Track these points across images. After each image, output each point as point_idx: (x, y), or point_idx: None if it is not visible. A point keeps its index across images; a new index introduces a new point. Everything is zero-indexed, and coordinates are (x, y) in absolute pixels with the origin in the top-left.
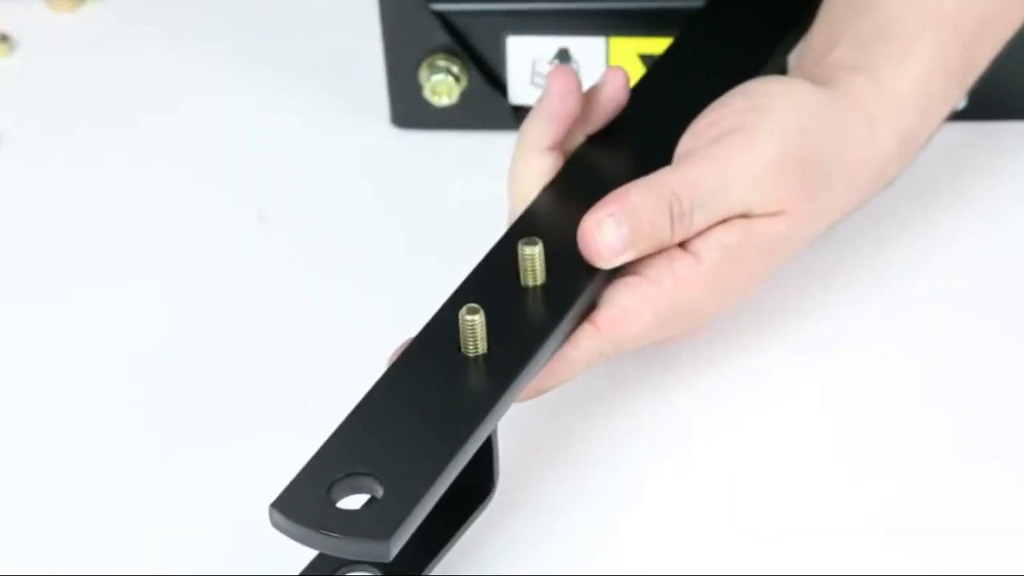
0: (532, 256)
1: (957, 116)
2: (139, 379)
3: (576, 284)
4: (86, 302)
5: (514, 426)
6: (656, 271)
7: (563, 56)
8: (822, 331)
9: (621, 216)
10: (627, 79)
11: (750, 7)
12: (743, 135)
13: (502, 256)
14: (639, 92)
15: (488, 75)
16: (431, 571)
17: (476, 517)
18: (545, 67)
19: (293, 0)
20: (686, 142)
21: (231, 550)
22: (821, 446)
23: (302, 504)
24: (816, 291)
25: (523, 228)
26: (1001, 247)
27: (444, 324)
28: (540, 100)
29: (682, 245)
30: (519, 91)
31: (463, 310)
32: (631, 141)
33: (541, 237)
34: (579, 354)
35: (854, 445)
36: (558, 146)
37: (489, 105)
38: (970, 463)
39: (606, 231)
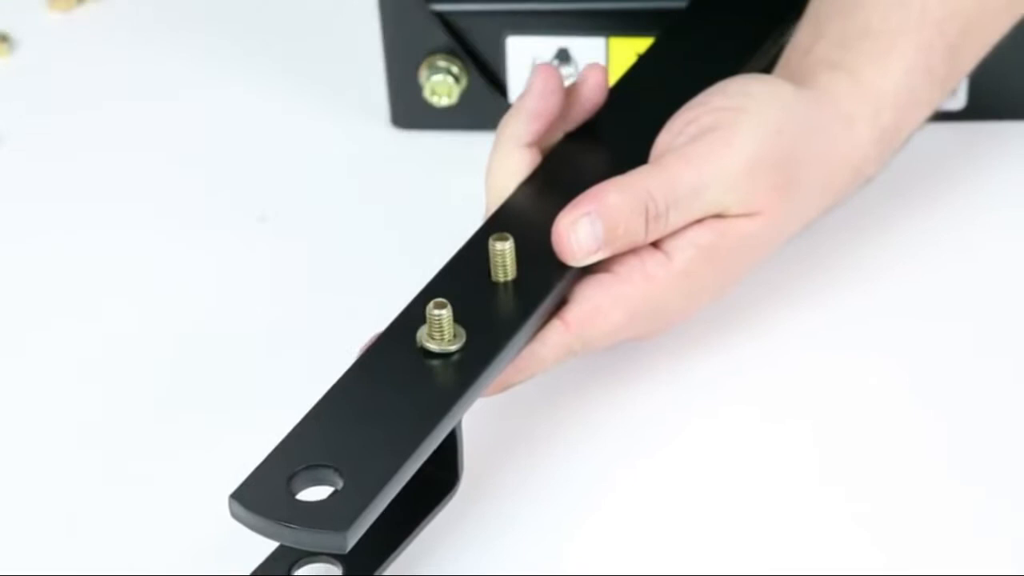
0: (503, 252)
1: (956, 116)
2: (134, 379)
3: (546, 280)
4: (85, 301)
5: (480, 420)
6: (627, 269)
7: (563, 56)
8: (799, 328)
9: (596, 216)
10: (606, 77)
11: (732, 7)
12: (721, 135)
13: (474, 252)
14: (619, 90)
15: (488, 75)
16: (392, 562)
17: (439, 511)
18: None
19: (293, 1)
20: (663, 140)
21: (196, 543)
22: (795, 444)
23: (261, 495)
24: (794, 288)
25: (497, 224)
26: (1000, 247)
27: (412, 318)
28: (521, 97)
29: (655, 243)
30: (519, 91)
31: (430, 304)
32: (608, 139)
33: (514, 233)
34: (547, 350)
35: (830, 443)
36: (536, 143)
37: (489, 105)
38: (952, 461)
39: (580, 230)
